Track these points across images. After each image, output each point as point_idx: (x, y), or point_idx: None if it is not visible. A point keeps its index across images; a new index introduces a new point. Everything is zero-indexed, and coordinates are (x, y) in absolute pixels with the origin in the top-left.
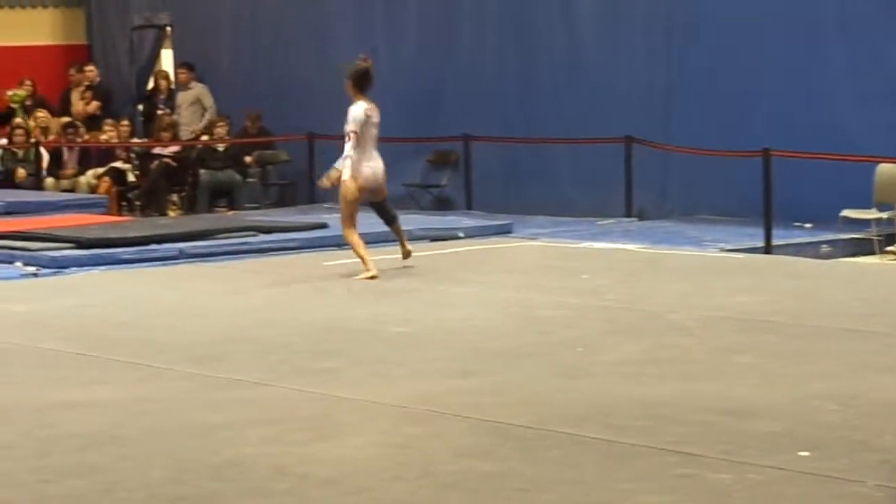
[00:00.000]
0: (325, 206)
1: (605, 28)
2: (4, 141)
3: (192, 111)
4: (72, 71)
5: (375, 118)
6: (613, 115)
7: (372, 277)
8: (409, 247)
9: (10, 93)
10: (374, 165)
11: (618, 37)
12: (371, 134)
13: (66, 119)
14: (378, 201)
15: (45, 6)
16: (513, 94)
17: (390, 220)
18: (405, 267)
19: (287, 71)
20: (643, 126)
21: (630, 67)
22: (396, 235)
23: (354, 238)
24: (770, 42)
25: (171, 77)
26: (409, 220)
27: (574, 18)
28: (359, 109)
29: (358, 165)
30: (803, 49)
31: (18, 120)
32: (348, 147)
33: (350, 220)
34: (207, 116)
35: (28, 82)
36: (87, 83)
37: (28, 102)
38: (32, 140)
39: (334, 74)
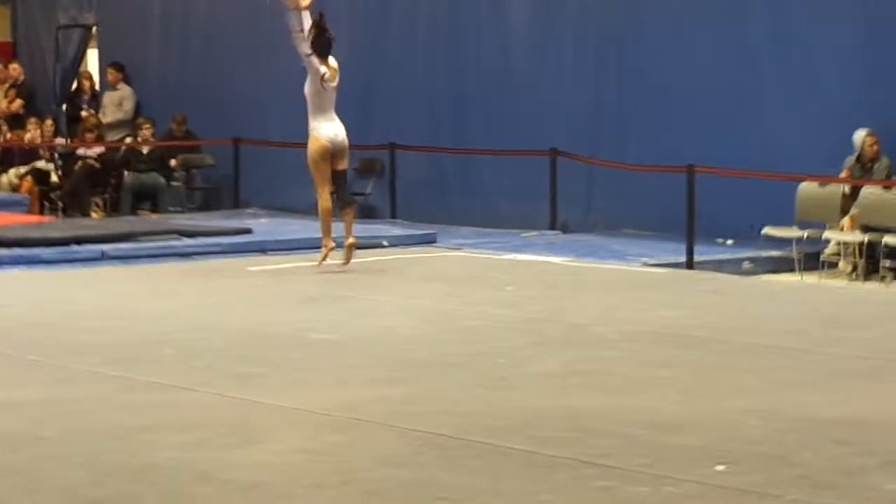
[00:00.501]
0: (249, 211)
1: (535, 40)
2: None
3: (118, 112)
4: None
5: (333, 83)
6: (540, 127)
7: (330, 250)
8: (355, 240)
9: None
10: (335, 126)
11: (547, 49)
12: (330, 98)
13: None
14: (339, 170)
15: None
16: (441, 104)
17: (345, 203)
18: (336, 271)
19: (215, 74)
20: (570, 139)
21: (558, 80)
22: (346, 223)
23: (326, 206)
24: (699, 58)
25: (96, 78)
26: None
27: (505, 29)
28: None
29: (318, 126)
30: (732, 65)
31: None
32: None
33: (322, 185)
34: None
35: None
36: (11, 81)
37: None
38: None
39: (263, 79)
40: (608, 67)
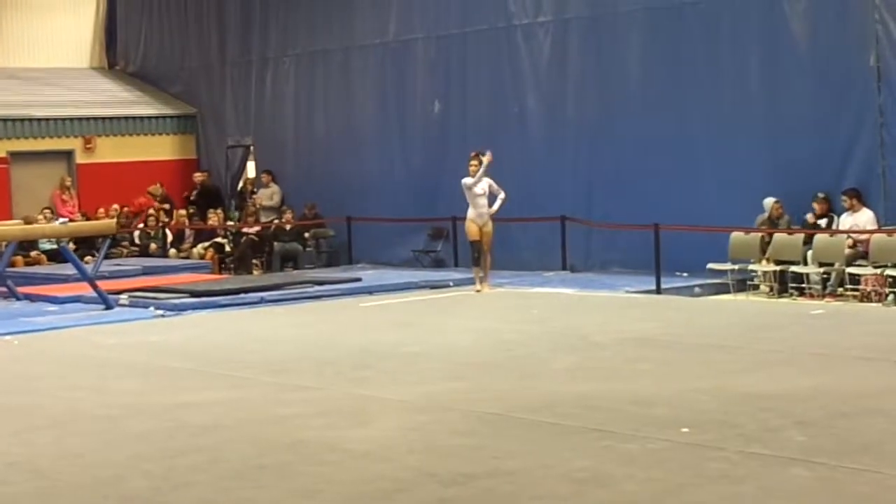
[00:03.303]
0: (359, 265)
1: (546, 141)
2: (141, 225)
3: (269, 202)
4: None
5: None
6: (552, 201)
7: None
8: (485, 288)
9: (150, 188)
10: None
11: (555, 147)
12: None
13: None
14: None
15: (167, 134)
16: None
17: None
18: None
19: (332, 173)
20: (573, 208)
21: (563, 169)
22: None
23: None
24: (660, 151)
25: (253, 179)
26: (415, 275)
27: (527, 134)
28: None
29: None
30: (679, 157)
31: (151, 211)
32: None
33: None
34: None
35: (160, 183)
36: (196, 185)
37: (160, 195)
38: (160, 224)
39: (364, 175)
40: (596, 159)
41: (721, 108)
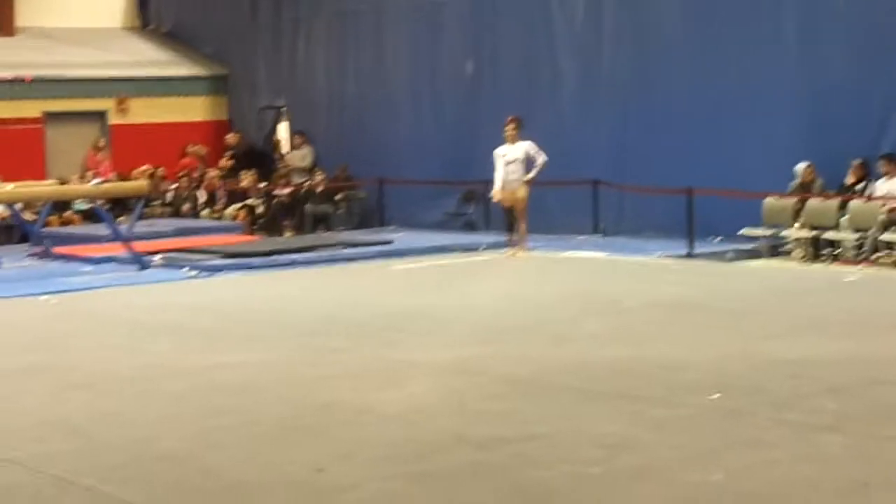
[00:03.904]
0: (390, 228)
1: (580, 102)
2: (174, 186)
3: (301, 164)
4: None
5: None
6: (585, 164)
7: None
8: (519, 252)
9: (193, 149)
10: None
11: (588, 108)
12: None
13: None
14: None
15: (199, 95)
16: None
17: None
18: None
19: (364, 135)
20: (605, 171)
21: (596, 131)
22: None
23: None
24: (690, 107)
25: (284, 141)
26: (447, 238)
27: (560, 96)
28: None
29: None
30: (715, 117)
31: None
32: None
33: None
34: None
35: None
36: (228, 147)
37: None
38: (192, 185)
39: (397, 136)
40: (629, 122)
41: (757, 71)
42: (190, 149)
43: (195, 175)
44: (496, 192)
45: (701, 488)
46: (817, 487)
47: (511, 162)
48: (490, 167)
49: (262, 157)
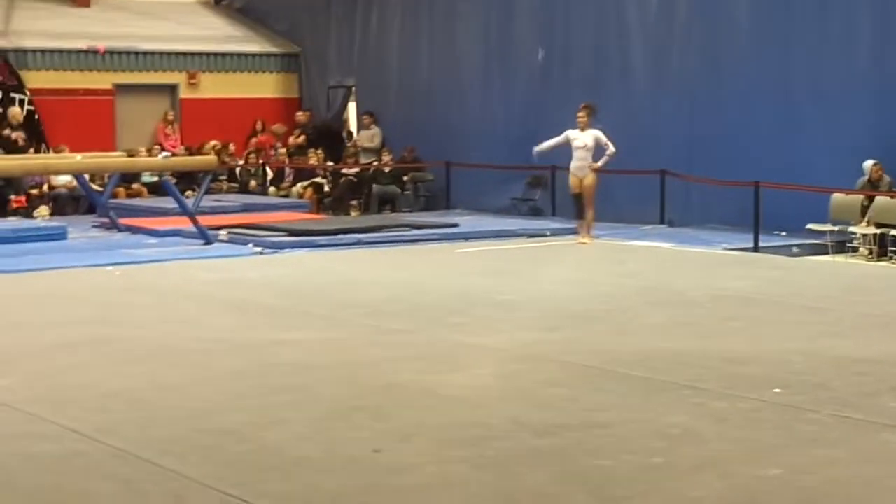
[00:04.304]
0: (457, 211)
1: (650, 95)
2: (241, 162)
3: (370, 144)
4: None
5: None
6: (653, 155)
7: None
8: (587, 239)
9: (273, 127)
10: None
11: (658, 101)
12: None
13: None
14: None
15: (270, 72)
16: None
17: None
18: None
19: (433, 117)
20: (673, 162)
21: (665, 123)
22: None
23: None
24: (760, 99)
25: (352, 121)
26: (512, 223)
27: (630, 88)
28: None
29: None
30: (784, 113)
31: (255, 140)
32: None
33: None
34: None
35: (280, 123)
36: (299, 124)
37: (282, 134)
38: (261, 161)
39: (465, 120)
40: (698, 113)
41: (828, 66)
42: (273, 127)
43: (271, 153)
44: (571, 177)
45: (760, 483)
46: (876, 486)
47: (580, 147)
48: (557, 153)
49: (331, 136)
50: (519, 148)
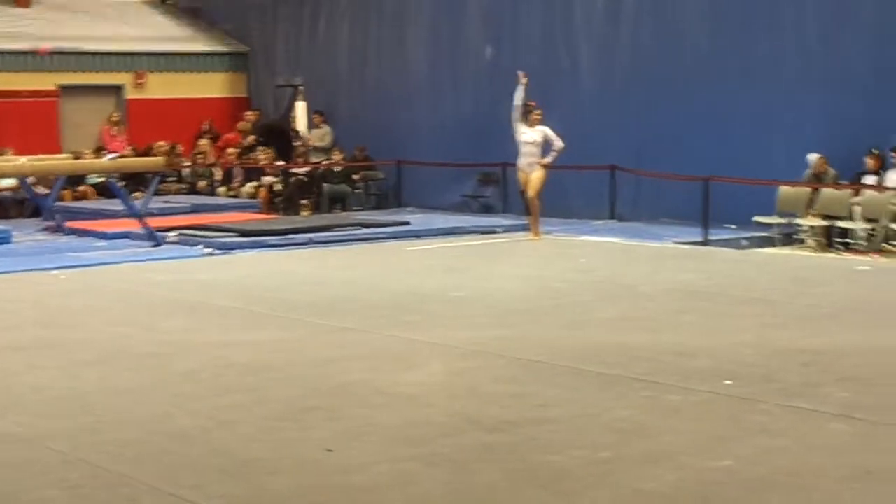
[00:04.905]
0: (408, 209)
1: (598, 94)
2: (188, 163)
3: (320, 143)
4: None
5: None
6: (603, 150)
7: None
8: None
9: (240, 125)
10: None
11: (606, 99)
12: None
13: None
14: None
15: (218, 72)
16: None
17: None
18: (466, 249)
19: (383, 116)
20: (623, 158)
21: (614, 120)
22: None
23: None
24: (708, 95)
25: (302, 120)
26: (464, 220)
27: (579, 87)
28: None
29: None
30: (729, 102)
31: (202, 144)
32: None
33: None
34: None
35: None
36: (248, 124)
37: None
38: (210, 161)
39: (416, 118)
40: (647, 109)
41: (775, 61)
42: (239, 125)
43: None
44: (520, 172)
45: (711, 474)
46: (824, 475)
47: (529, 143)
48: (508, 150)
49: (281, 135)
50: (469, 145)
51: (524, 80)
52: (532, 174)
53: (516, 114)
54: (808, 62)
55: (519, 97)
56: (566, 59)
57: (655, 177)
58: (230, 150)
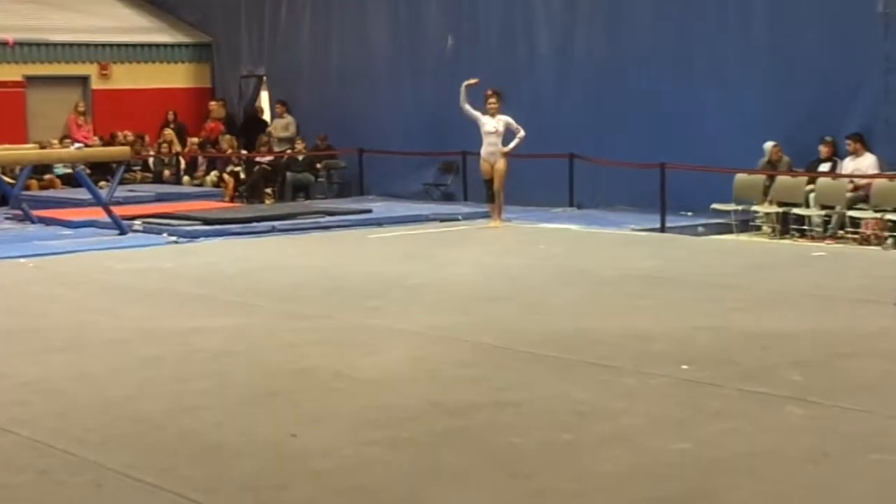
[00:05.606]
0: (369, 197)
1: (556, 83)
2: (153, 152)
3: (284, 132)
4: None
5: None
6: (562, 139)
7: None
8: (498, 223)
9: (213, 112)
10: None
11: (564, 88)
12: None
13: (196, 139)
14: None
15: (183, 62)
16: None
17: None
18: (426, 237)
19: (345, 106)
20: (582, 146)
21: (573, 108)
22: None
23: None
24: (664, 84)
25: (266, 109)
26: (425, 208)
27: (537, 75)
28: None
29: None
30: (687, 97)
31: (166, 134)
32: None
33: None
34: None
35: (217, 103)
36: (211, 114)
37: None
38: (174, 151)
39: (378, 108)
40: (604, 98)
41: (728, 49)
42: (213, 112)
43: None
44: (483, 162)
45: (668, 456)
46: (779, 456)
47: (491, 133)
48: (468, 139)
49: (258, 124)
50: (430, 134)
51: (473, 81)
52: (496, 164)
53: (466, 105)
54: (760, 50)
55: (463, 94)
56: (524, 48)
57: (613, 165)
58: (194, 140)
